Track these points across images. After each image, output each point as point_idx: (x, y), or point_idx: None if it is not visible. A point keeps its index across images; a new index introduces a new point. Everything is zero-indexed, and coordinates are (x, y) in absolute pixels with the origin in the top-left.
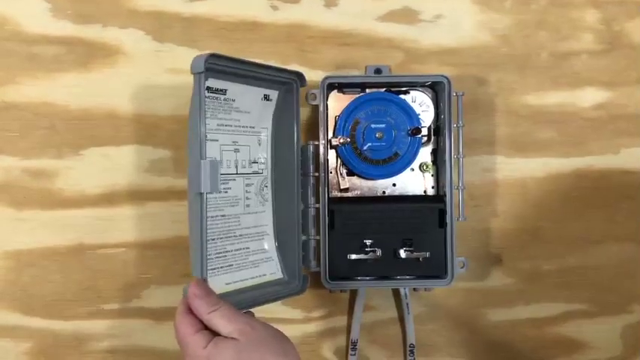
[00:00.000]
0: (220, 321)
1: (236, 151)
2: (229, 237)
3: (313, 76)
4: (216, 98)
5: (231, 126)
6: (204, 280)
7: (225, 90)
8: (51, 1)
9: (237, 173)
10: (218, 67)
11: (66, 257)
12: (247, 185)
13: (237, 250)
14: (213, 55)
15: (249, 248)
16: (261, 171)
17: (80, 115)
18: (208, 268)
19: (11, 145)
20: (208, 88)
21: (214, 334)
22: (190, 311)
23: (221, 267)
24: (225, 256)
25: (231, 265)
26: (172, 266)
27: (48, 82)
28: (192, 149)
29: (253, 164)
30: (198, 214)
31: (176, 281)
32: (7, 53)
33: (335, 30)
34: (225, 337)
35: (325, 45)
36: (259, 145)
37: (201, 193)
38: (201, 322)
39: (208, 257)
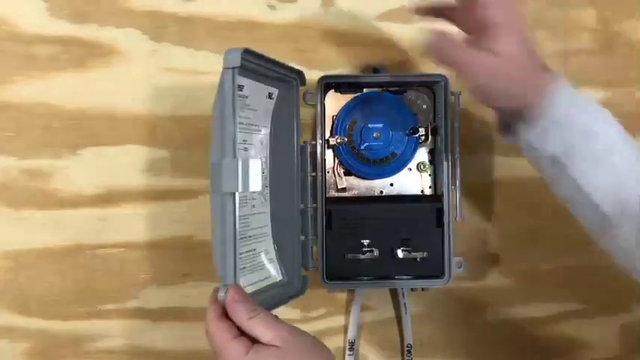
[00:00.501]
0: (260, 327)
1: (245, 150)
2: (242, 238)
3: (310, 75)
4: None
5: (242, 124)
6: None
7: (242, 86)
8: (48, 0)
9: None
10: (245, 64)
11: (63, 257)
12: None
13: (247, 252)
14: (246, 51)
15: (256, 250)
16: (263, 171)
17: (77, 115)
18: None
19: (8, 144)
20: None
21: (252, 340)
22: (225, 317)
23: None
24: (240, 258)
25: (244, 267)
26: (170, 266)
27: (45, 81)
28: (223, 148)
29: None
30: (231, 214)
31: (174, 281)
32: (4, 53)
33: (332, 29)
34: (265, 344)
35: (322, 44)
36: (261, 144)
37: (232, 194)
38: (237, 327)
39: None
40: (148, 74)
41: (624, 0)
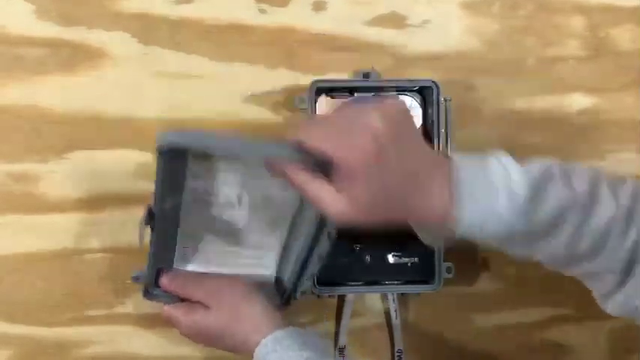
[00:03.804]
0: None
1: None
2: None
3: (302, 80)
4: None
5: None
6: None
7: None
8: (35, 2)
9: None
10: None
11: (49, 262)
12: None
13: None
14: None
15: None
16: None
17: (65, 119)
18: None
19: None
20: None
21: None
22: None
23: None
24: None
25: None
26: None
27: (32, 84)
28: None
29: None
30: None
31: None
32: None
33: (323, 34)
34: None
35: (313, 49)
36: None
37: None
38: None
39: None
40: (136, 78)
41: (612, 7)
